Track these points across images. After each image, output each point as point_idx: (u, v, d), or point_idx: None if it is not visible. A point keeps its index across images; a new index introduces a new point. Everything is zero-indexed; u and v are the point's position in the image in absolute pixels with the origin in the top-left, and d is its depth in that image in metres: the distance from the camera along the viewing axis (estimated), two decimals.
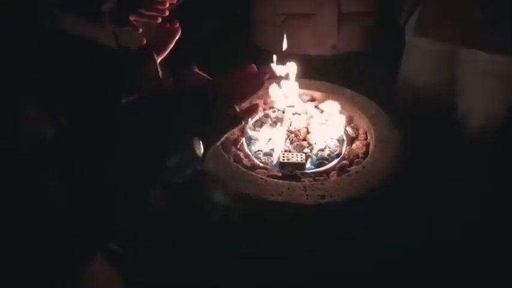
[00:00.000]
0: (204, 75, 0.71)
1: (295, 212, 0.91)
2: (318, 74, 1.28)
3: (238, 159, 1.01)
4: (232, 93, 0.67)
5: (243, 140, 1.08)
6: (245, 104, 0.70)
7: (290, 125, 1.13)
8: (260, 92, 1.15)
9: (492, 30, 1.03)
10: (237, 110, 0.66)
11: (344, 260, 1.00)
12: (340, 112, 1.15)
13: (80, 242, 0.52)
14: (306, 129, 1.12)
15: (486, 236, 1.24)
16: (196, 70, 0.72)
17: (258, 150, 1.06)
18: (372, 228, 0.99)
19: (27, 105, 0.51)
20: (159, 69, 0.74)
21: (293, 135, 1.10)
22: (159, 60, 0.77)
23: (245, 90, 0.70)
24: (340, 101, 1.18)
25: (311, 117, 1.15)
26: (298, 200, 0.90)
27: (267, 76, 0.73)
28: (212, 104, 0.63)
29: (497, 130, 1.18)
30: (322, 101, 1.22)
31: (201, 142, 0.61)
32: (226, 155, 1.01)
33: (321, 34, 1.46)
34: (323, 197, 0.90)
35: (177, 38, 0.82)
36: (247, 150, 1.06)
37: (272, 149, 1.05)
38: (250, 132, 1.10)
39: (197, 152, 0.60)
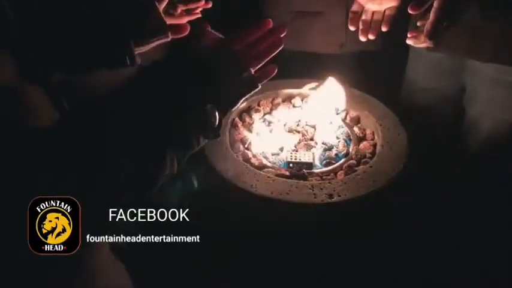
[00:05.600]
0: (217, 34, 0.64)
1: (302, 211, 0.92)
2: (326, 72, 1.28)
3: (246, 158, 1.03)
4: (247, 54, 0.61)
5: (251, 139, 1.09)
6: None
7: (297, 125, 1.14)
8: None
9: (503, 42, 1.02)
10: (252, 72, 0.61)
11: (350, 258, 1.01)
12: (338, 111, 1.16)
13: None
14: (313, 129, 1.13)
15: (492, 237, 1.24)
16: (209, 29, 0.64)
17: (266, 150, 1.07)
18: (379, 227, 1.00)
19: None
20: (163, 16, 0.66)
21: (300, 134, 1.11)
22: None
23: (261, 51, 0.62)
24: (347, 101, 1.19)
25: (318, 116, 1.16)
26: (306, 199, 0.91)
27: (285, 33, 0.64)
28: (226, 68, 0.59)
29: (506, 135, 1.17)
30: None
31: (215, 109, 0.57)
32: (234, 154, 1.02)
33: (329, 32, 1.46)
34: (330, 196, 0.91)
35: None
36: (255, 149, 1.07)
37: (280, 149, 1.06)
38: (258, 131, 1.11)
39: (212, 120, 0.57)
